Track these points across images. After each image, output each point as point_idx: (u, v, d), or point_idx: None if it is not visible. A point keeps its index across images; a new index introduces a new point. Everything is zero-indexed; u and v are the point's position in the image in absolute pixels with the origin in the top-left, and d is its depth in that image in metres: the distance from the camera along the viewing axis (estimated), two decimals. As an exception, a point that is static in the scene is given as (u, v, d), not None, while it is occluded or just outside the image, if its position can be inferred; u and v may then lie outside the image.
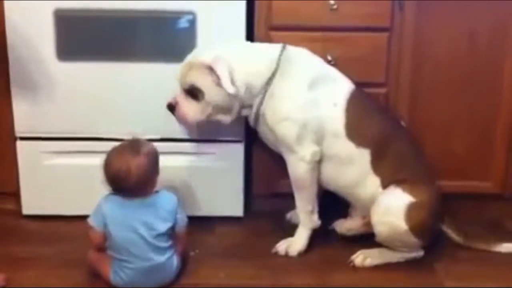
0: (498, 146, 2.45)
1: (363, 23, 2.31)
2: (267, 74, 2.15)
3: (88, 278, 2.09)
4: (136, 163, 2.01)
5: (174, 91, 2.24)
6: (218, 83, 2.11)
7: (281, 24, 2.30)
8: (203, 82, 2.13)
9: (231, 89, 2.09)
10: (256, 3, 2.30)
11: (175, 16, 2.27)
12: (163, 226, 2.03)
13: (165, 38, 2.29)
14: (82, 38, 2.29)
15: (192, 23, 2.27)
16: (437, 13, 2.31)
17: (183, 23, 2.28)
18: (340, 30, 2.31)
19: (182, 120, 2.23)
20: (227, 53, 2.13)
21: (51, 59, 2.29)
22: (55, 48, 2.28)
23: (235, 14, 2.27)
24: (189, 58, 2.17)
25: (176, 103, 2.19)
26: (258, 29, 2.32)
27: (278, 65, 2.15)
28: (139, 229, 2.00)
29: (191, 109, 2.18)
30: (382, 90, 2.37)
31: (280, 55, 2.16)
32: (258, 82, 2.15)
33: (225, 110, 2.18)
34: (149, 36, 2.30)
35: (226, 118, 2.21)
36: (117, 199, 2.04)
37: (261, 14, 2.31)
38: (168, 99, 2.21)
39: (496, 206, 2.55)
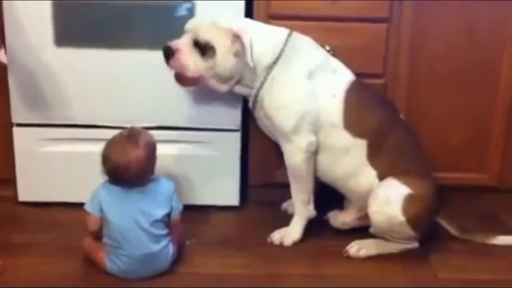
0: (495, 139, 2.45)
1: (362, 14, 2.30)
2: (270, 59, 2.13)
3: (84, 265, 2.10)
4: (135, 156, 2.00)
5: (172, 79, 2.23)
6: (236, 53, 2.08)
7: (280, 13, 2.29)
8: (222, 45, 2.08)
9: (252, 62, 2.07)
10: (256, -9, 2.30)
11: (175, 4, 2.26)
12: (160, 213, 2.04)
13: (164, 26, 2.28)
14: (80, 24, 2.28)
15: (191, 11, 2.26)
16: (435, 5, 2.31)
17: (182, 11, 2.27)
18: (339, 20, 2.31)
19: (177, 68, 2.14)
20: (247, 26, 2.11)
21: (49, 45, 2.28)
22: (53, 34, 2.27)
23: (234, 2, 2.26)
24: (209, 18, 2.10)
25: (178, 50, 2.11)
26: (257, 18, 2.30)
27: (283, 50, 2.13)
28: (137, 216, 2.00)
29: (193, 62, 2.11)
30: (380, 81, 2.37)
31: (287, 40, 2.14)
32: (262, 62, 2.12)
33: (224, 79, 2.14)
34: (148, 24, 2.28)
35: (221, 87, 2.17)
36: (115, 187, 2.04)
37: (260, 2, 2.30)
38: (169, 42, 2.12)
39: (492, 199, 2.56)
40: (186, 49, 2.10)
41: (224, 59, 2.10)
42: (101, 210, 2.02)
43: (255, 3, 2.31)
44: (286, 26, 2.22)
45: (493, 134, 2.45)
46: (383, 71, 2.37)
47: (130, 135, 2.06)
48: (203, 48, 2.09)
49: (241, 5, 2.27)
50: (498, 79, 2.39)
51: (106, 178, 2.05)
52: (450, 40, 2.35)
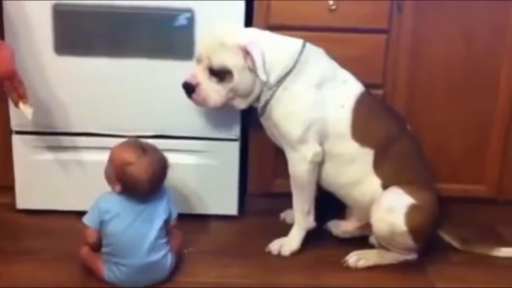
0: (493, 150, 2.45)
1: (362, 24, 2.31)
2: (286, 69, 2.12)
3: (81, 272, 2.09)
4: (162, 163, 2.05)
5: (172, 88, 2.24)
6: (250, 68, 2.07)
7: (279, 24, 2.29)
8: (235, 64, 2.06)
9: (264, 76, 2.06)
10: (255, 2, 2.30)
11: (174, 13, 2.27)
12: (163, 218, 2.04)
13: (163, 35, 2.29)
14: (80, 33, 2.29)
15: (191, 20, 2.26)
16: (435, 15, 2.32)
17: (181, 20, 2.27)
18: (338, 30, 2.31)
19: (201, 103, 2.14)
20: (259, 37, 2.10)
21: (49, 53, 2.28)
22: (53, 42, 2.27)
23: (234, 13, 2.26)
24: (219, 35, 2.08)
25: (198, 84, 2.11)
26: (256, 27, 2.29)
27: (297, 60, 2.13)
28: (146, 225, 2.00)
29: (214, 92, 2.10)
30: (379, 92, 2.37)
31: (301, 51, 2.14)
32: (276, 73, 2.11)
33: (244, 94, 2.14)
34: (147, 33, 2.29)
35: (242, 103, 2.17)
36: (119, 197, 2.02)
37: (259, 13, 2.31)
38: (186, 77, 2.11)
39: (490, 210, 2.56)
40: (204, 80, 2.10)
41: (242, 78, 2.09)
42: (101, 222, 2.00)
43: (255, 14, 2.32)
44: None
45: (492, 145, 2.45)
46: (382, 82, 2.38)
47: (144, 148, 2.05)
48: (220, 74, 2.08)
49: (241, 16, 2.27)
50: (497, 89, 2.39)
51: (119, 188, 2.02)
52: (449, 50, 2.36)
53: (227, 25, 2.14)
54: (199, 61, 2.13)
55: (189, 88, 2.12)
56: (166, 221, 2.06)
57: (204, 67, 2.10)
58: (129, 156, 2.01)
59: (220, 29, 2.10)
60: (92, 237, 2.03)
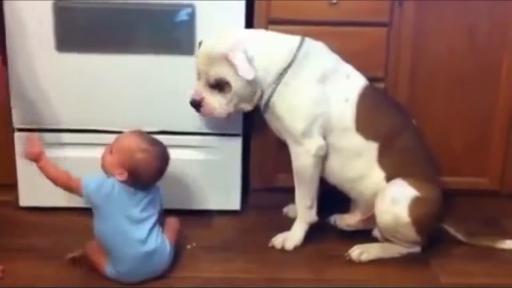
0: (496, 143, 2.45)
1: (363, 18, 2.31)
2: (284, 64, 2.14)
3: (84, 270, 2.09)
4: (167, 152, 2.09)
5: (173, 84, 2.24)
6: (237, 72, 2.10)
7: (280, 18, 2.30)
8: (227, 73, 2.10)
9: (249, 75, 2.08)
10: (256, -4, 2.31)
11: (174, 8, 2.27)
12: (157, 210, 2.07)
13: (164, 31, 2.29)
14: (81, 29, 2.29)
15: (191, 16, 2.26)
16: (436, 9, 2.32)
17: (182, 16, 2.28)
18: (339, 24, 2.31)
19: (209, 115, 2.21)
20: (245, 39, 2.12)
21: (50, 50, 2.28)
22: (54, 39, 2.27)
23: (235, 7, 2.26)
24: (207, 49, 2.11)
25: (202, 99, 2.17)
26: (257, 22, 2.31)
27: (295, 56, 2.14)
28: (141, 215, 2.02)
29: (218, 103, 2.16)
30: (381, 85, 2.37)
31: (299, 47, 2.15)
32: (273, 70, 2.13)
33: (248, 98, 2.17)
34: (148, 29, 2.29)
35: (248, 106, 2.20)
36: (126, 187, 2.02)
37: (260, 7, 2.31)
38: (192, 94, 2.16)
39: (493, 203, 2.56)
40: (207, 95, 2.16)
41: (238, 83, 2.11)
42: (100, 198, 1.99)
43: (256, 9, 2.32)
44: (287, 31, 2.22)
45: (494, 138, 2.45)
46: (384, 75, 2.38)
47: (153, 139, 2.08)
48: (219, 85, 2.13)
49: (242, 12, 2.27)
50: (499, 83, 2.39)
51: (121, 179, 2.02)
52: (451, 44, 2.35)
53: (219, 31, 2.15)
54: (198, 77, 2.18)
55: (196, 104, 2.17)
56: (159, 213, 2.08)
57: (204, 82, 2.15)
58: (142, 143, 2.04)
59: (209, 41, 2.13)
60: (79, 188, 2.01)
